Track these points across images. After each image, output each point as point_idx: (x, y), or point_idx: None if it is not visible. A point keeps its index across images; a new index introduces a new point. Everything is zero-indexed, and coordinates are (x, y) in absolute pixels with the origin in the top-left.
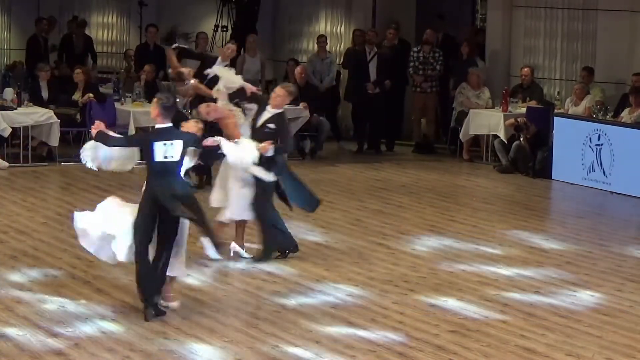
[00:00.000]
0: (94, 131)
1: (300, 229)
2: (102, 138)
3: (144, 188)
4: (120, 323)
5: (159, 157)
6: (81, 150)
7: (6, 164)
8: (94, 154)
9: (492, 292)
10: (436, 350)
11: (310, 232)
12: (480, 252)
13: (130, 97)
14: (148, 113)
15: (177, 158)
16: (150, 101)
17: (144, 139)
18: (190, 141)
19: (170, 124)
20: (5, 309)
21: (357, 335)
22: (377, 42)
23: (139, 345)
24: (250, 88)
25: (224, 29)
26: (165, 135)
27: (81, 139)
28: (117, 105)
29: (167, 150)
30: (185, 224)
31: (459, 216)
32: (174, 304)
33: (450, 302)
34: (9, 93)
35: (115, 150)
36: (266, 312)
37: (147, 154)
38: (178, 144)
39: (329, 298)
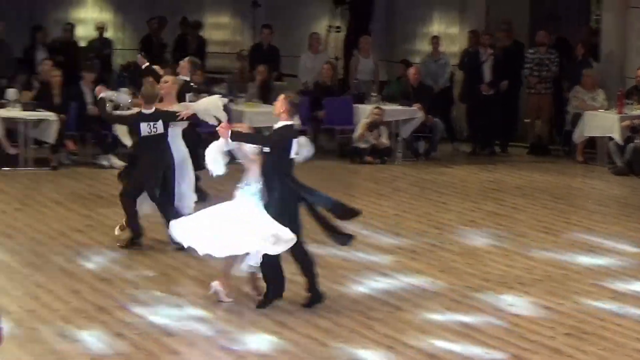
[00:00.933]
0: (222, 130)
1: (414, 230)
2: (238, 136)
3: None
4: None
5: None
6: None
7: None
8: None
9: (608, 295)
10: (552, 353)
11: (424, 233)
12: (595, 255)
13: (243, 97)
14: (262, 114)
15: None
16: (265, 101)
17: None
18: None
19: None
20: (120, 308)
21: (471, 337)
22: (491, 43)
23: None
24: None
25: (337, 30)
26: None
27: None
28: (230, 105)
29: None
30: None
31: (574, 218)
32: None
33: (566, 305)
34: (125, 93)
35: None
36: (381, 313)
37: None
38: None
39: (443, 299)
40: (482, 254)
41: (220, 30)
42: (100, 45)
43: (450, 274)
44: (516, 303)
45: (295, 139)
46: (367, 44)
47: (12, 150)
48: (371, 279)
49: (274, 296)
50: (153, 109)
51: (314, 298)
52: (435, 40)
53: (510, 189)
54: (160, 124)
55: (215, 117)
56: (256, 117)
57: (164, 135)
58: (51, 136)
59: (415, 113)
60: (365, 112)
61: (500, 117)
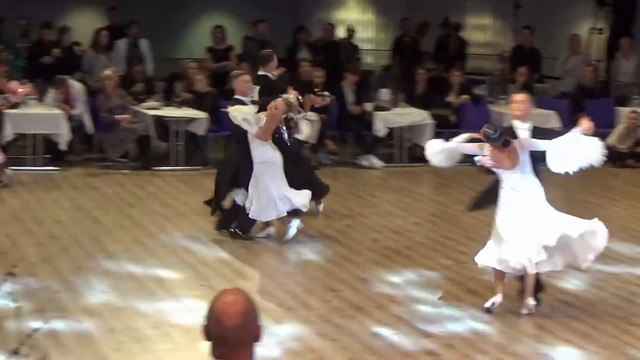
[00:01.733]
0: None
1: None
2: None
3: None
4: (492, 325)
5: None
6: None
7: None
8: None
9: None
10: None
11: None
12: None
13: (504, 99)
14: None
15: None
16: None
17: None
18: None
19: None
20: (379, 307)
21: None
22: None
23: (511, 348)
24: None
25: (600, 32)
26: None
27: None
28: (490, 107)
29: None
30: None
31: None
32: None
33: None
34: (385, 94)
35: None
36: None
37: None
38: None
39: None
40: None
41: (481, 31)
42: (349, 50)
43: None
44: None
45: None
46: (629, 45)
47: None
48: (632, 284)
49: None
50: None
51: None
52: None
53: None
54: None
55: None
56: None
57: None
58: (312, 136)
59: None
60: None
61: None
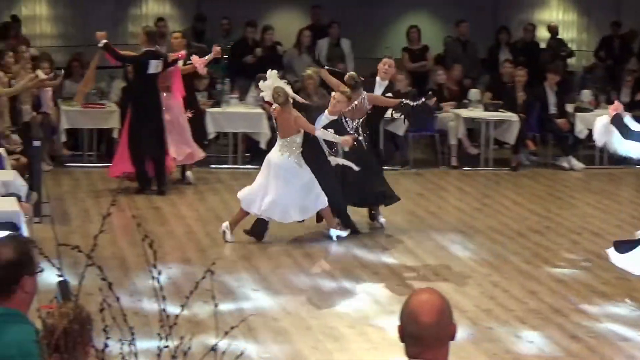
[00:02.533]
0: (611, 111)
1: None
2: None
3: None
4: None
5: None
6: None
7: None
8: None
9: None
10: None
11: None
12: None
13: None
14: None
15: None
16: None
17: None
18: None
19: None
20: (576, 311)
21: None
22: None
23: None
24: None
25: None
26: None
27: None
28: None
29: None
30: None
31: None
32: None
33: None
34: (587, 95)
35: None
36: None
37: None
38: None
39: None
40: None
41: None
42: (556, 46)
43: None
44: None
45: None
46: None
47: (472, 151)
48: None
49: None
50: None
51: None
52: None
53: None
54: None
55: None
56: None
57: None
58: (512, 137)
59: None
60: None
61: None
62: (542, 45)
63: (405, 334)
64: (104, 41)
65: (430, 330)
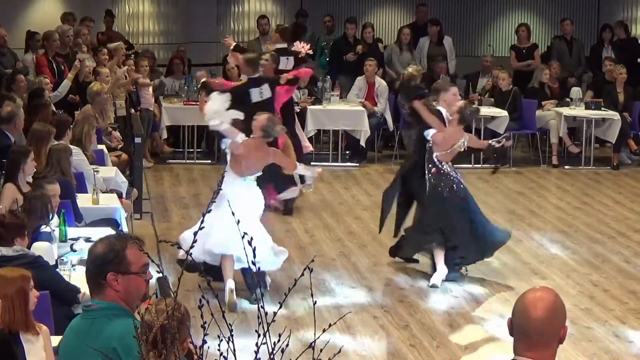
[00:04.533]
0: None
1: None
2: None
3: None
4: None
5: None
6: None
7: None
8: None
9: None
10: None
11: None
12: None
13: None
14: None
15: None
16: None
17: None
18: None
19: None
20: None
21: None
22: None
23: None
24: None
25: None
26: None
27: None
28: None
29: None
30: None
31: None
32: None
33: None
34: None
35: None
36: None
37: None
38: None
39: None
40: None
41: None
42: None
43: None
44: None
45: None
46: None
47: (573, 149)
48: None
49: None
50: None
51: None
52: None
53: None
54: None
55: None
56: None
57: None
58: (613, 136)
59: None
60: None
61: None
62: None
63: (515, 328)
64: (203, 80)
65: (539, 326)
